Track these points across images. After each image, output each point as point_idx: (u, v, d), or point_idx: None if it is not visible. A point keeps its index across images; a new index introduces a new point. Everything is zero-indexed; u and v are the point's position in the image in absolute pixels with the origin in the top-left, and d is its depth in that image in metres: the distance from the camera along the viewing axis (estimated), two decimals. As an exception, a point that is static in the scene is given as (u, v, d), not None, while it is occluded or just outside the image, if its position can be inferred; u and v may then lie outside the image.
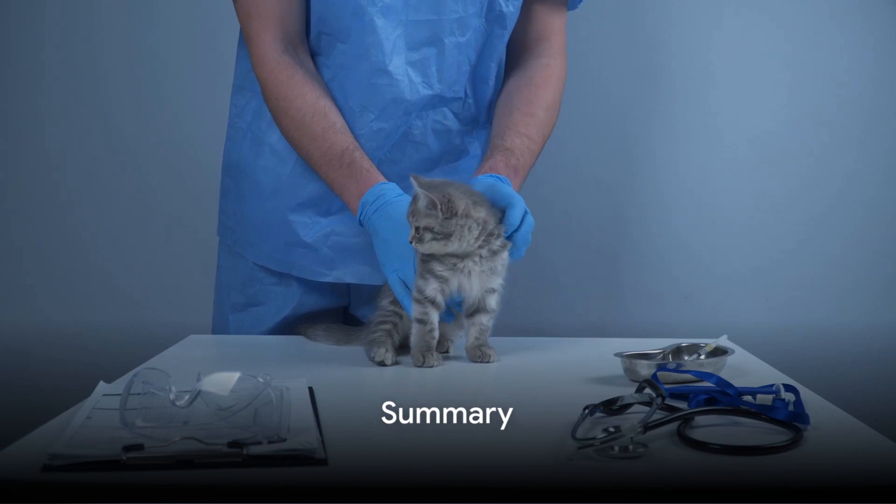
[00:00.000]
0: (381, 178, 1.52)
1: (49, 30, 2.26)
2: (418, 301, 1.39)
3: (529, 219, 1.42)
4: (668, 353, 1.36)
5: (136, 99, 2.27)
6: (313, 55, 1.63)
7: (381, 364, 1.40)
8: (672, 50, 2.23)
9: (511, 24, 1.65)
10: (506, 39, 1.67)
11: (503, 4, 1.62)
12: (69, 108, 2.28)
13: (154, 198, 2.29)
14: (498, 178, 1.50)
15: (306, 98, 1.56)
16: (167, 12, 2.24)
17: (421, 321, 1.39)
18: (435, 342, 1.40)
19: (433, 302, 1.39)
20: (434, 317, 1.39)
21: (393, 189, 1.50)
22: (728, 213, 2.24)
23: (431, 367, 1.38)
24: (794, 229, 2.24)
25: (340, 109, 1.60)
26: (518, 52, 1.71)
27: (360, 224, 1.51)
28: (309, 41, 1.62)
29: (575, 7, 1.73)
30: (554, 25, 1.70)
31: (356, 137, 1.59)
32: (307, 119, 1.55)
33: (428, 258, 1.39)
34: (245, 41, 1.62)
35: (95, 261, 2.31)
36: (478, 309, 1.42)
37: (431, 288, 1.39)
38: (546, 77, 1.68)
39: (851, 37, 2.20)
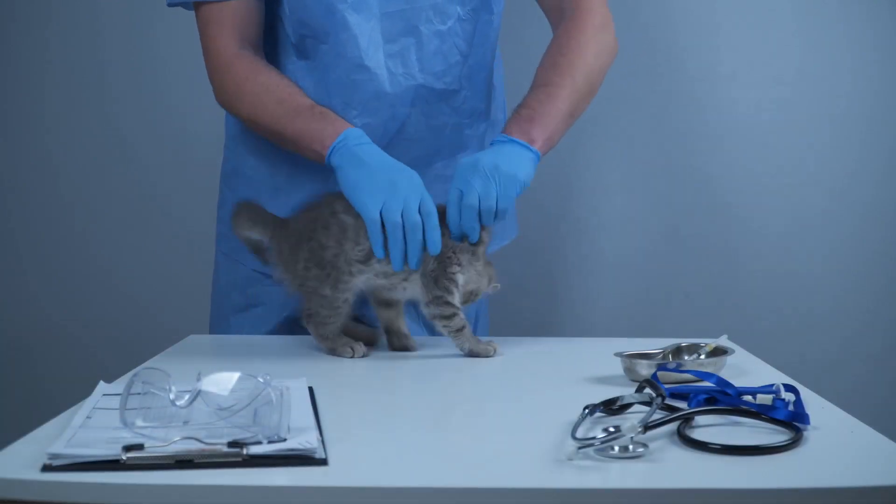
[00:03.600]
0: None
1: (52, 34, 2.27)
2: (457, 315, 1.43)
3: (465, 209, 1.42)
4: (668, 353, 1.36)
5: (138, 101, 2.28)
6: (300, 59, 1.61)
7: (364, 356, 1.44)
8: (673, 49, 2.23)
9: (498, 7, 1.63)
10: (496, 24, 1.65)
11: None
12: (70, 109, 2.28)
13: (154, 198, 2.30)
14: (500, 141, 1.49)
15: (269, 73, 1.56)
16: (170, 19, 2.24)
17: (464, 326, 1.44)
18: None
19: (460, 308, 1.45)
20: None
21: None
22: (728, 212, 2.24)
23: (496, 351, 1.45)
24: (794, 229, 2.24)
25: None
26: (556, 21, 1.68)
27: (328, 160, 1.46)
28: (293, 46, 1.61)
29: None
30: None
31: None
32: (272, 87, 1.54)
33: (455, 273, 1.42)
34: (203, 47, 1.61)
35: (95, 261, 2.31)
36: None
37: (457, 298, 1.43)
38: (566, 28, 1.63)
39: (853, 36, 2.20)
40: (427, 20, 1.59)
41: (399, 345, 1.50)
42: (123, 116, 2.28)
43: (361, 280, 1.43)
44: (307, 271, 1.44)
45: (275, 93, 1.54)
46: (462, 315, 1.44)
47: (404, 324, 1.51)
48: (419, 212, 1.40)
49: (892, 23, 2.20)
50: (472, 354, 1.44)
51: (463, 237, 1.44)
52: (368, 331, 1.54)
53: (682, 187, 2.25)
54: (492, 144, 1.51)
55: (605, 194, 2.26)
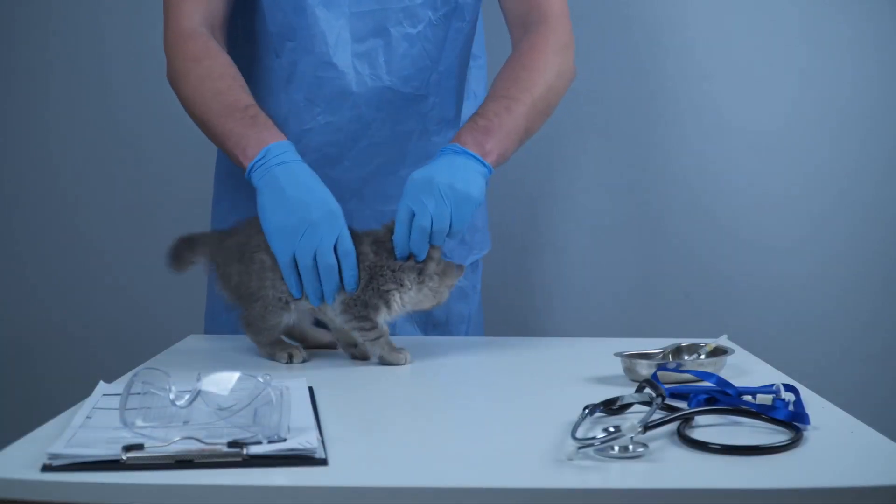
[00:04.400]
0: (286, 139, 1.41)
1: (52, 33, 2.27)
2: (375, 328, 1.37)
3: (416, 230, 1.36)
4: (668, 353, 1.36)
5: (136, 101, 2.28)
6: (277, 57, 1.60)
7: (304, 361, 1.40)
8: (673, 49, 2.23)
9: (471, 14, 1.62)
10: (468, 32, 1.64)
11: None
12: (69, 109, 2.29)
13: (153, 197, 2.30)
14: (453, 151, 1.42)
15: (216, 59, 1.49)
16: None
17: (381, 336, 1.38)
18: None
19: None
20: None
21: (296, 152, 1.40)
22: (728, 212, 2.24)
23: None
24: (794, 229, 2.24)
25: (286, 104, 1.57)
26: (518, 35, 1.64)
27: (249, 177, 1.39)
28: (270, 43, 1.59)
29: None
30: None
31: (304, 132, 1.55)
32: (214, 75, 1.48)
33: (389, 291, 1.37)
34: (164, 18, 1.56)
35: (95, 261, 2.31)
36: None
37: (383, 316, 1.38)
38: (531, 43, 1.59)
39: (853, 36, 2.20)
40: (397, 22, 1.58)
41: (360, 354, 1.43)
42: (122, 116, 2.29)
43: (293, 316, 1.40)
44: (238, 289, 1.41)
45: (215, 82, 1.47)
46: (381, 326, 1.37)
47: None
48: (336, 251, 1.33)
49: (893, 23, 2.20)
50: (383, 362, 1.38)
51: (409, 257, 1.38)
52: (325, 334, 1.48)
53: (682, 187, 2.25)
54: (442, 153, 1.44)
55: (605, 194, 2.26)
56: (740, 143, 2.23)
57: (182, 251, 1.49)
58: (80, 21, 2.27)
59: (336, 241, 1.34)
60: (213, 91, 1.47)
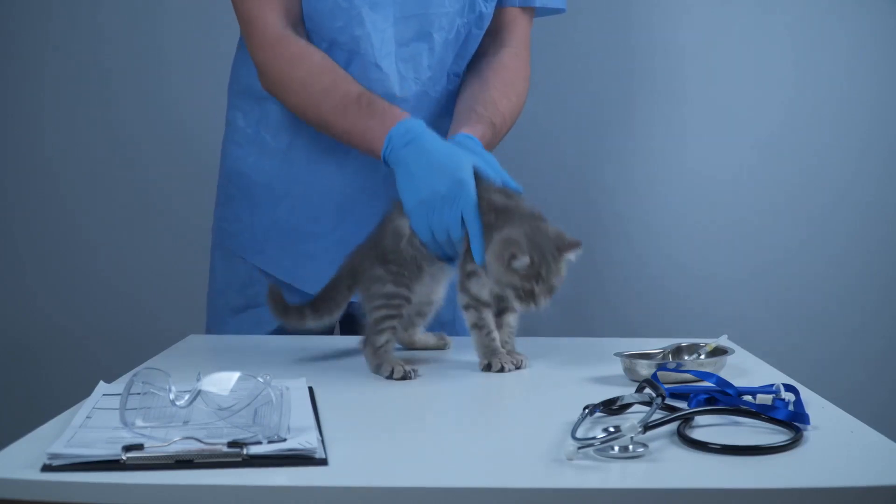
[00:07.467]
0: (407, 115, 1.46)
1: (52, 33, 2.27)
2: (472, 307, 1.35)
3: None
4: (668, 353, 1.36)
5: (137, 102, 2.28)
6: None
7: (404, 378, 1.31)
8: (673, 50, 2.23)
9: (486, 24, 1.65)
10: (479, 40, 1.66)
11: (482, 4, 1.61)
12: (70, 109, 2.29)
13: (153, 198, 2.30)
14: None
15: (313, 58, 1.53)
16: (169, 18, 2.25)
17: (477, 326, 1.35)
18: (496, 343, 1.35)
19: (484, 303, 1.35)
20: (489, 318, 1.35)
21: (420, 124, 1.44)
22: (728, 212, 2.24)
23: (501, 370, 1.33)
24: (794, 229, 2.24)
25: None
26: (486, 42, 1.67)
27: (385, 161, 1.44)
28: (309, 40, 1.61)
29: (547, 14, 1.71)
30: (516, 15, 1.67)
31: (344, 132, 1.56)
32: (315, 74, 1.51)
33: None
34: (242, 25, 1.57)
35: (95, 261, 2.31)
36: (505, 307, 1.38)
37: (476, 285, 1.35)
38: (517, 67, 1.65)
39: (853, 36, 2.20)
40: (440, 27, 1.59)
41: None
42: (122, 116, 2.29)
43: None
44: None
45: (320, 80, 1.51)
46: (483, 316, 1.36)
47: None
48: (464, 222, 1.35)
49: (893, 23, 2.20)
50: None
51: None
52: (431, 336, 1.49)
53: (681, 187, 2.25)
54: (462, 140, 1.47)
55: (603, 194, 2.26)
56: (740, 143, 2.23)
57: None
58: (80, 20, 2.27)
59: (462, 215, 1.34)
60: (321, 92, 1.51)
